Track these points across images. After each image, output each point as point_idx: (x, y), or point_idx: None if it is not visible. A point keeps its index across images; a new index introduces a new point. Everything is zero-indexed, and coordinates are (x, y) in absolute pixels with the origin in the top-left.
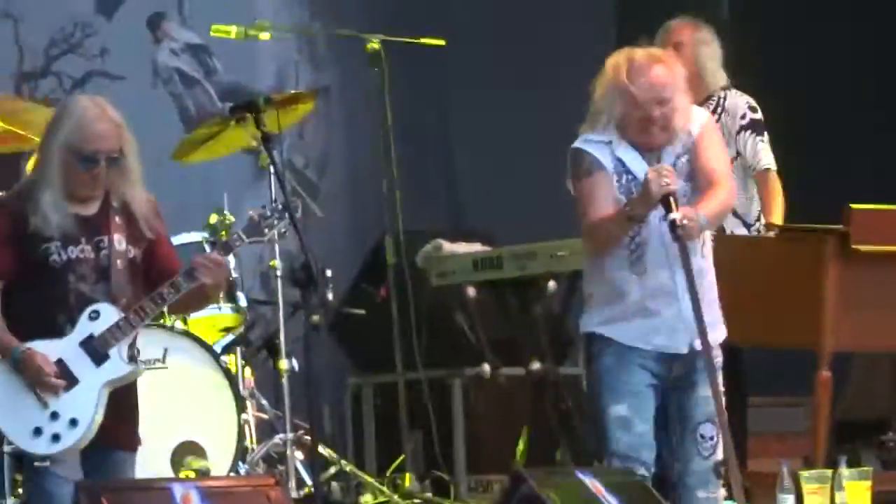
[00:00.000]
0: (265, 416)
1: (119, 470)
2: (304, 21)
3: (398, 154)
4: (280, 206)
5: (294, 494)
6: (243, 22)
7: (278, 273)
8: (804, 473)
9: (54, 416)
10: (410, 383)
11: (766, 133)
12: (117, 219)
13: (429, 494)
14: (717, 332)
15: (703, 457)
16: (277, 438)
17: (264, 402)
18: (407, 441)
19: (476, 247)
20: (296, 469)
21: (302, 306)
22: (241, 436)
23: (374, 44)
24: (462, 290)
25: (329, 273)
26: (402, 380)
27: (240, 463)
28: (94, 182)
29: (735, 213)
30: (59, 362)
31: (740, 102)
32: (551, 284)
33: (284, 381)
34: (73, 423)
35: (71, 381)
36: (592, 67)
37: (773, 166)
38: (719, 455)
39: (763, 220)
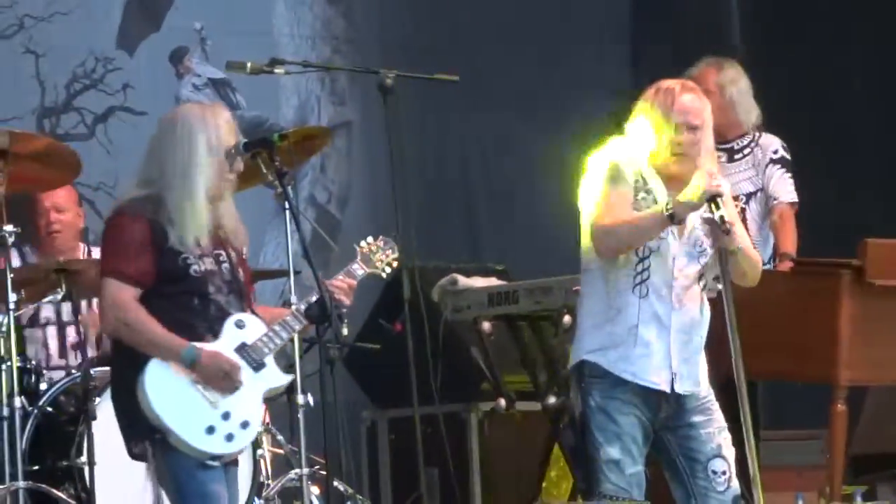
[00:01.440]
0: (280, 451)
1: (237, 485)
2: (325, 57)
3: (415, 189)
4: (391, 238)
5: None
6: (266, 57)
7: (294, 308)
8: None
9: (226, 416)
10: (426, 418)
11: (791, 174)
12: (227, 235)
13: None
14: (701, 385)
15: (719, 492)
16: (293, 473)
17: (280, 437)
18: (423, 476)
19: (492, 281)
20: None
21: (317, 341)
22: (256, 471)
23: (388, 79)
24: (478, 325)
25: (344, 308)
26: (418, 414)
27: (255, 498)
28: (236, 178)
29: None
30: None
31: (774, 140)
32: (567, 319)
33: (300, 415)
34: (245, 424)
35: None
36: (609, 104)
37: (796, 203)
38: (735, 486)
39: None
